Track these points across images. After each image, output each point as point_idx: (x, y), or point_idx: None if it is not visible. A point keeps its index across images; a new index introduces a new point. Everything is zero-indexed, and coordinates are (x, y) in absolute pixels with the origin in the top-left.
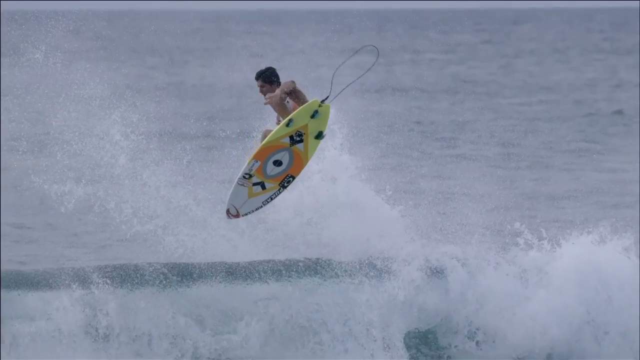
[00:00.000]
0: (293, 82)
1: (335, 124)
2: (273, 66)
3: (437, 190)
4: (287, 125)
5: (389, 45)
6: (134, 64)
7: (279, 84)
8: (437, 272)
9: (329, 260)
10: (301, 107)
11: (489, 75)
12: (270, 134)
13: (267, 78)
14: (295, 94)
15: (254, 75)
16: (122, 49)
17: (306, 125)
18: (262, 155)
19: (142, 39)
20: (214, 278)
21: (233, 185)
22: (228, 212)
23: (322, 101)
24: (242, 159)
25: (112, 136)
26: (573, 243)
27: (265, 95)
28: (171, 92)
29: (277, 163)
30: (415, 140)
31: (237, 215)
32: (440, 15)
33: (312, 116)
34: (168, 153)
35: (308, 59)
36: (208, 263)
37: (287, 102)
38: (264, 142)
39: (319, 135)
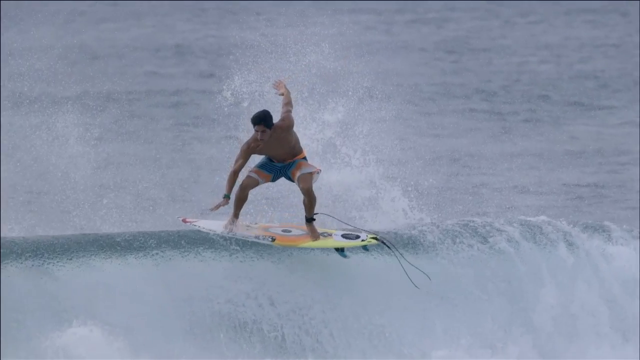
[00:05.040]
0: (285, 120)
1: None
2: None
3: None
4: (338, 250)
5: (387, 6)
6: (134, 23)
7: (272, 125)
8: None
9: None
10: (360, 243)
11: (489, 33)
12: (320, 244)
13: (268, 122)
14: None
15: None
16: (122, 9)
17: None
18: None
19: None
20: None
21: (223, 232)
22: (185, 220)
23: (375, 237)
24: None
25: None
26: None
27: (263, 139)
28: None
29: (286, 231)
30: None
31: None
32: None
33: (364, 247)
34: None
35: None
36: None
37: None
38: (309, 245)
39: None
